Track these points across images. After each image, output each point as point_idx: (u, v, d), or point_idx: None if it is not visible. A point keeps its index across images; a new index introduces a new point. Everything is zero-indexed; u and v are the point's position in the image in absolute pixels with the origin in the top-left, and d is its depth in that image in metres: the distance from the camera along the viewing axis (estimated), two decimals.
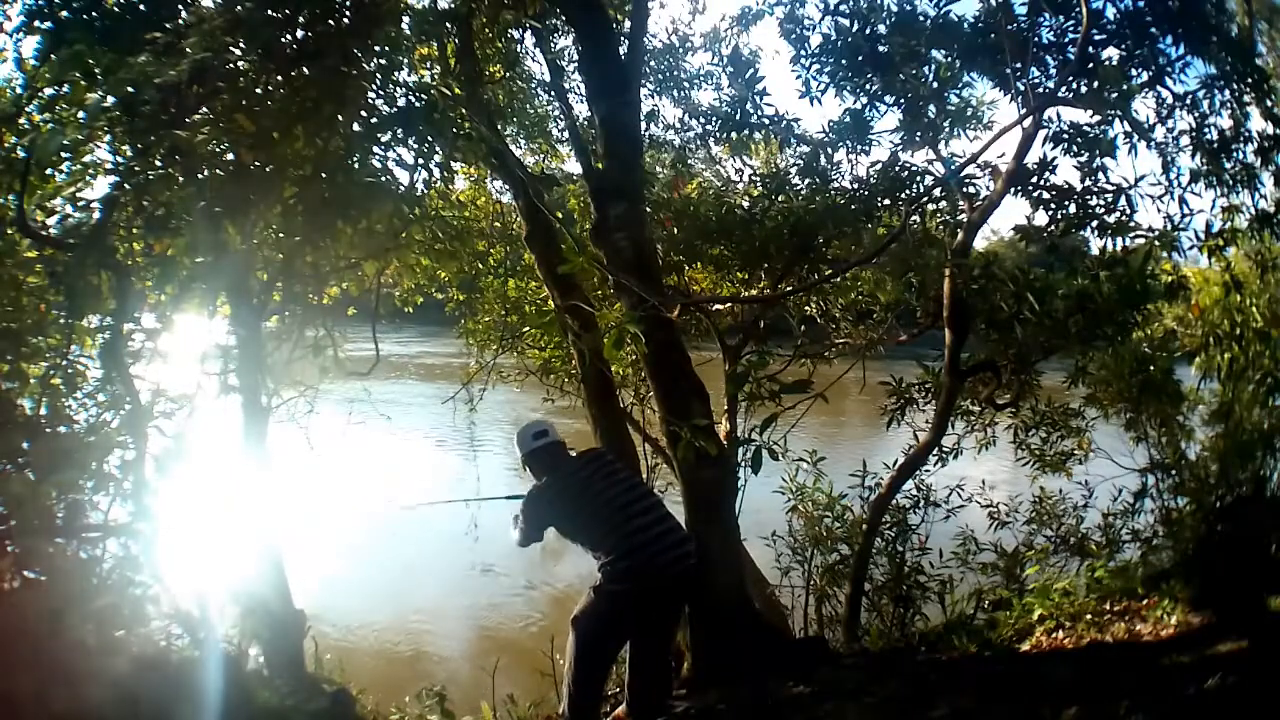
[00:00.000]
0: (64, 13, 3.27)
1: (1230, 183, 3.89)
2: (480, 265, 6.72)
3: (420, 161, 4.04)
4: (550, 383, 6.89)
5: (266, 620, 3.69)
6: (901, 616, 4.74)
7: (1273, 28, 4.07)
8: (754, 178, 5.50)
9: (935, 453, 4.83)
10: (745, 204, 5.40)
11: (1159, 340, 4.70)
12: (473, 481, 6.85)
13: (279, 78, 3.37)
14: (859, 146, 4.72)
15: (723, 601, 3.77)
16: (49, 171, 3.09)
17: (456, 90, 4.72)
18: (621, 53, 4.04)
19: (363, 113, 3.69)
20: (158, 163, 2.97)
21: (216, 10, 3.17)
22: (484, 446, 11.10)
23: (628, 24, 4.64)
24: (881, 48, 4.25)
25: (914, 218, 4.50)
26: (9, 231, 2.95)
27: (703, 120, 5.48)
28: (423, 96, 3.93)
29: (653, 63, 6.14)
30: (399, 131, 3.74)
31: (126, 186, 3.02)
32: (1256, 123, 3.97)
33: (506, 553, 8.93)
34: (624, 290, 3.57)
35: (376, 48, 3.66)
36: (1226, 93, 3.90)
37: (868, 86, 4.39)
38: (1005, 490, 5.43)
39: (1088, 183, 3.95)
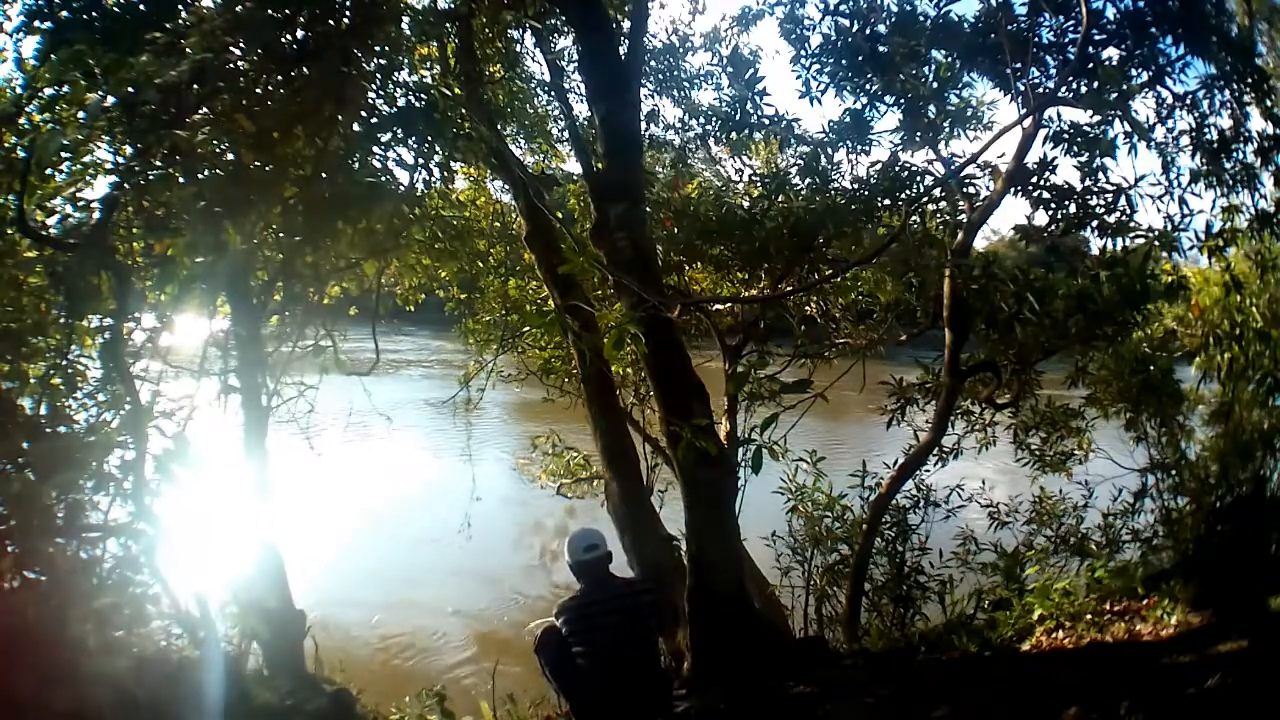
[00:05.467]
0: (64, 13, 3.27)
1: (1230, 183, 3.89)
2: (480, 265, 6.73)
3: (420, 161, 4.05)
4: (550, 383, 6.90)
5: (266, 620, 3.69)
6: (901, 616, 4.74)
7: (1273, 28, 4.07)
8: (754, 178, 5.50)
9: (935, 453, 4.83)
10: (745, 204, 5.40)
11: (1159, 340, 4.70)
12: (468, 481, 6.86)
13: (279, 78, 3.37)
14: (859, 146, 4.71)
15: (723, 601, 3.77)
16: (49, 171, 3.09)
17: (456, 90, 4.72)
18: (621, 53, 4.04)
19: (363, 113, 3.69)
20: (158, 163, 2.97)
21: (216, 10, 3.17)
22: (482, 444, 11.12)
23: (627, 24, 4.64)
24: (881, 48, 4.25)
25: (914, 218, 4.50)
26: (9, 231, 2.95)
27: (703, 120, 5.47)
28: (423, 96, 3.94)
29: (653, 63, 6.13)
30: (399, 131, 3.75)
31: (126, 186, 3.02)
32: (1256, 123, 3.98)
33: (503, 554, 8.97)
34: (624, 290, 3.56)
35: (376, 48, 3.66)
36: (1226, 93, 3.90)
37: (868, 86, 4.39)
38: (1005, 490, 5.43)
39: (1088, 183, 3.94)
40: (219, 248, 3.29)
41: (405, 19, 4.17)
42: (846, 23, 4.34)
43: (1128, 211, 3.86)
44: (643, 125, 4.76)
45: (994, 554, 4.81)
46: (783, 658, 3.82)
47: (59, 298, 3.12)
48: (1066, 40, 4.08)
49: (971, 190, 4.38)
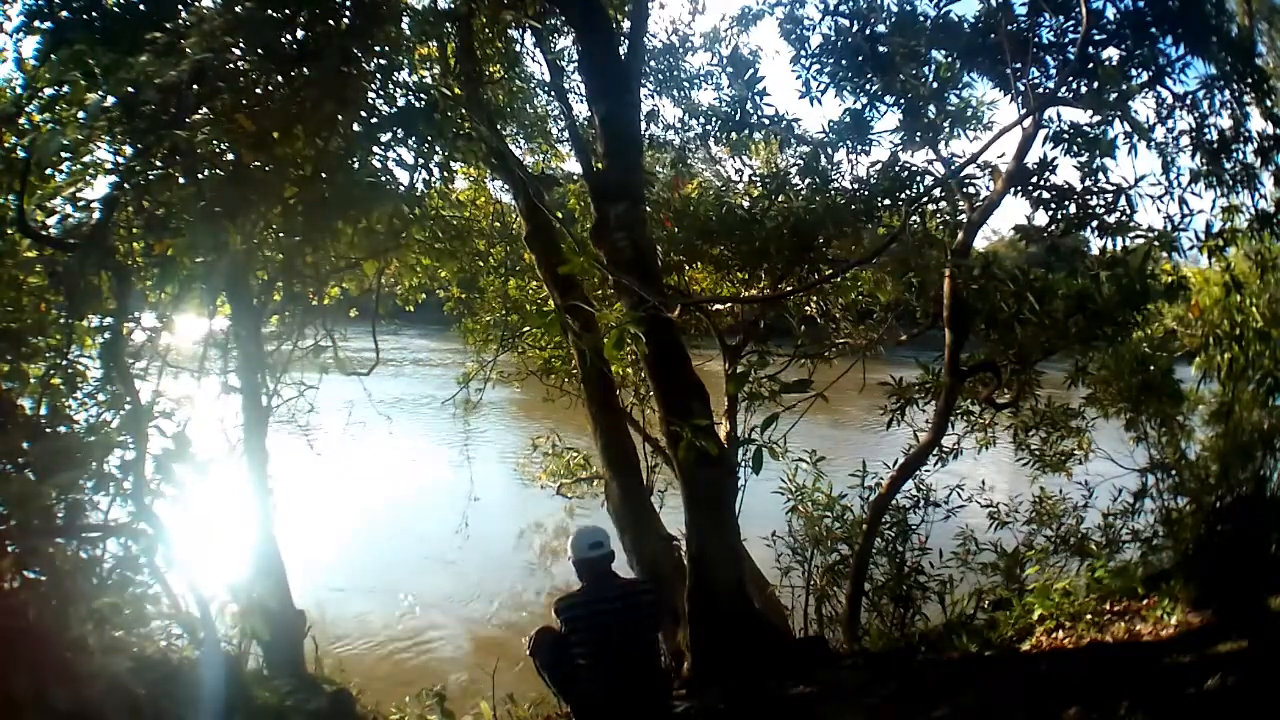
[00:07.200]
0: (64, 13, 3.27)
1: (1230, 183, 3.88)
2: (480, 265, 6.73)
3: (420, 161, 4.05)
4: (550, 383, 6.90)
5: (266, 620, 3.68)
6: (901, 616, 4.74)
7: (1273, 28, 4.07)
8: (754, 178, 5.50)
9: (935, 453, 4.83)
10: (745, 204, 5.40)
11: (1159, 340, 4.70)
12: (467, 481, 6.86)
13: (279, 78, 3.37)
14: (859, 146, 4.71)
15: (723, 601, 3.77)
16: (49, 171, 3.09)
17: (456, 90, 4.73)
18: (621, 53, 4.05)
19: (363, 113, 3.69)
20: (158, 163, 2.97)
21: (216, 10, 3.17)
22: (481, 444, 11.13)
23: (627, 24, 4.64)
24: (881, 48, 4.25)
25: (914, 218, 4.50)
26: (9, 231, 2.94)
27: (703, 120, 5.47)
28: (423, 96, 3.94)
29: (653, 63, 6.14)
30: (399, 131, 3.74)
31: (126, 186, 3.01)
32: (1256, 123, 3.98)
33: (503, 554, 8.97)
34: (624, 290, 3.57)
35: (376, 48, 3.66)
36: (1226, 93, 3.90)
37: (868, 86, 4.39)
38: (1005, 490, 5.43)
39: (1088, 183, 3.94)
40: (219, 248, 3.28)
41: (405, 19, 4.18)
42: (846, 23, 4.34)
43: (1128, 211, 3.86)
44: (643, 125, 4.76)
45: (994, 554, 4.81)
46: (783, 658, 3.82)
47: (59, 298, 3.11)
48: (1066, 40, 4.08)
49: (971, 190, 4.38)
